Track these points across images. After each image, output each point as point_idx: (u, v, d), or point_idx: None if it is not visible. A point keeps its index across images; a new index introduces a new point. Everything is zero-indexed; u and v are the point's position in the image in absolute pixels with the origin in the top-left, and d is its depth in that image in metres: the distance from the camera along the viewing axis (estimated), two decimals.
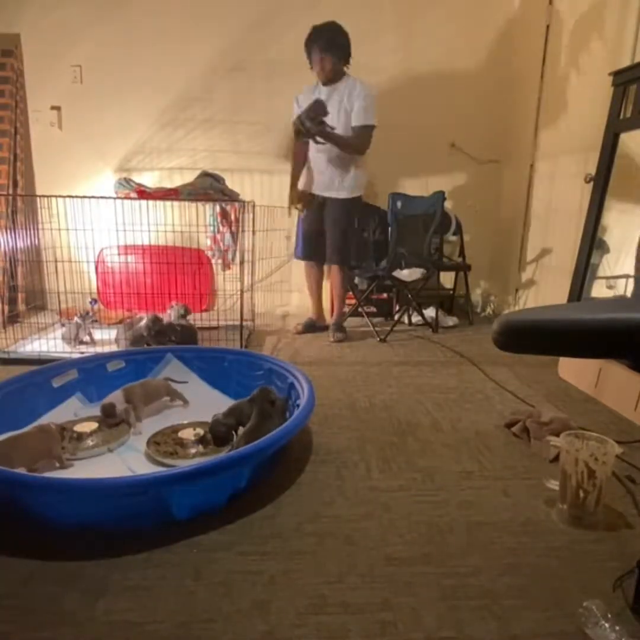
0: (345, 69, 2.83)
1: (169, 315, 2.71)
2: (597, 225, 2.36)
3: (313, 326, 3.19)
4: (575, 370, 2.28)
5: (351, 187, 2.91)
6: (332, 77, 2.80)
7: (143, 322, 2.54)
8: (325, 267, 3.17)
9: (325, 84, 2.83)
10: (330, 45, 2.73)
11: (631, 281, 2.40)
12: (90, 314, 2.72)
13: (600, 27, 2.64)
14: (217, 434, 1.60)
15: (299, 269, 3.46)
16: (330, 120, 2.70)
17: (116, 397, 1.72)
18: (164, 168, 3.61)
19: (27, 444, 1.43)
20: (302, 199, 2.96)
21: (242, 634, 0.95)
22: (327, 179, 2.90)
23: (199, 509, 1.28)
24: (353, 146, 2.79)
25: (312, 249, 3.07)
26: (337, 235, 2.95)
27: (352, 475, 1.50)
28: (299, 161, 2.95)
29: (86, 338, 2.68)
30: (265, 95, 3.51)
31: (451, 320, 3.43)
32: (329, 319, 3.26)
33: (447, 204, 3.37)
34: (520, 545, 1.20)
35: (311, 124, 2.64)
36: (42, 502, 1.23)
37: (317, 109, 2.65)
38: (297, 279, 3.63)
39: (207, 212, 3.04)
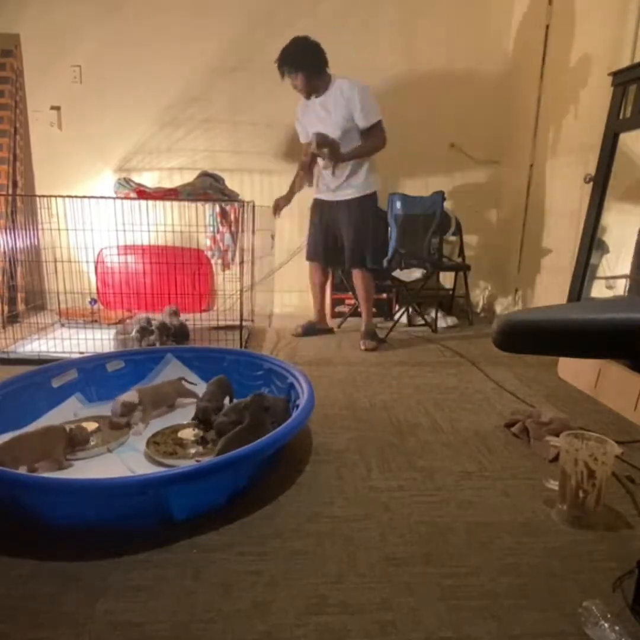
0: (327, 72, 2.76)
1: (162, 316, 2.72)
2: (597, 225, 2.36)
3: (313, 329, 3.16)
4: (575, 370, 2.28)
5: (361, 185, 2.87)
6: (312, 90, 2.79)
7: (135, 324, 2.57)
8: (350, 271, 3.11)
9: (309, 98, 2.83)
10: (295, 65, 2.69)
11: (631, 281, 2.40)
12: None
13: (600, 27, 2.64)
14: (206, 417, 1.68)
15: (293, 269, 3.48)
16: (332, 132, 2.70)
17: (131, 397, 1.72)
18: (163, 168, 3.61)
19: (30, 444, 1.44)
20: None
21: (242, 634, 0.95)
22: (335, 183, 2.87)
23: (199, 509, 1.28)
24: (372, 149, 2.79)
25: (316, 250, 3.07)
26: (352, 236, 2.89)
27: (352, 475, 1.50)
28: (307, 173, 2.99)
29: None
30: (265, 95, 3.51)
31: (451, 320, 3.43)
32: (330, 321, 3.33)
33: (447, 204, 3.37)
34: (520, 545, 1.20)
35: (333, 156, 2.69)
36: (42, 503, 1.23)
37: (324, 141, 2.67)
38: (293, 279, 3.64)
39: (206, 212, 3.04)
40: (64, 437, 1.49)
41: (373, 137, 2.76)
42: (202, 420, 1.69)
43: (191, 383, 1.97)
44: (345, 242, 2.92)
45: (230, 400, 1.86)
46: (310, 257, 3.12)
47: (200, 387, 2.03)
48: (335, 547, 1.19)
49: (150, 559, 1.14)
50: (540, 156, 3.29)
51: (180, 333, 2.63)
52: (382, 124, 2.77)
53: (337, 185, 2.88)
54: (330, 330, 3.21)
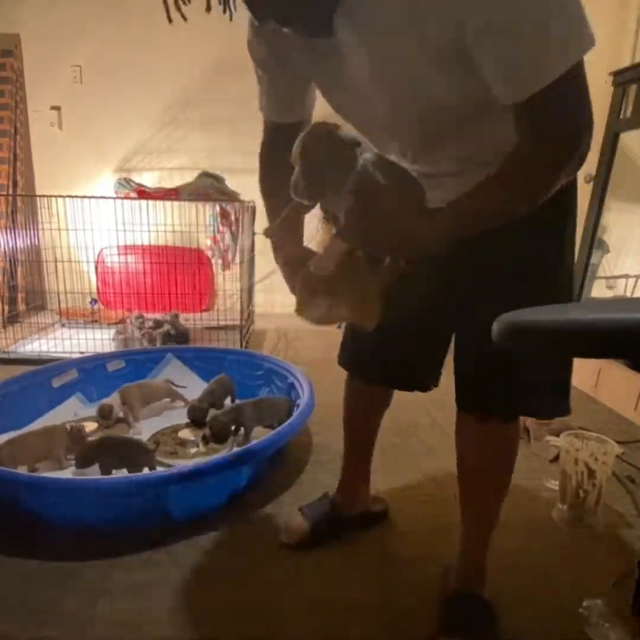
0: None
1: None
2: (597, 225, 2.36)
3: (329, 519, 1.22)
4: (575, 370, 2.28)
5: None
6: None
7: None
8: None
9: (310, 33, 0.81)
10: None
11: (631, 281, 2.40)
12: None
13: (601, 27, 2.64)
14: (196, 417, 1.69)
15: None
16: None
17: (114, 400, 1.73)
18: (164, 168, 3.61)
19: (31, 444, 1.43)
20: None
21: (242, 634, 0.95)
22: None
23: (199, 509, 1.28)
24: (523, 193, 0.73)
25: (382, 349, 1.14)
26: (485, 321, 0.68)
27: None
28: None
29: None
30: None
31: None
32: (375, 503, 1.32)
33: None
34: (520, 545, 1.20)
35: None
36: (41, 502, 1.23)
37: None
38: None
39: (207, 212, 3.04)
40: (65, 437, 1.49)
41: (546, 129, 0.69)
42: (193, 419, 1.69)
43: (180, 386, 1.96)
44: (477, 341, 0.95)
45: (232, 400, 1.86)
46: (357, 362, 1.21)
47: (200, 388, 2.04)
48: (335, 547, 1.18)
49: (150, 559, 1.14)
50: None
51: (180, 334, 2.63)
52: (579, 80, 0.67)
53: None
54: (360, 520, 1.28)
